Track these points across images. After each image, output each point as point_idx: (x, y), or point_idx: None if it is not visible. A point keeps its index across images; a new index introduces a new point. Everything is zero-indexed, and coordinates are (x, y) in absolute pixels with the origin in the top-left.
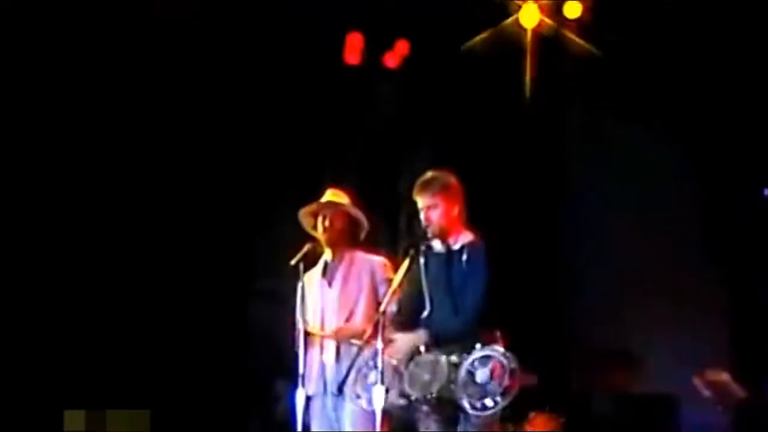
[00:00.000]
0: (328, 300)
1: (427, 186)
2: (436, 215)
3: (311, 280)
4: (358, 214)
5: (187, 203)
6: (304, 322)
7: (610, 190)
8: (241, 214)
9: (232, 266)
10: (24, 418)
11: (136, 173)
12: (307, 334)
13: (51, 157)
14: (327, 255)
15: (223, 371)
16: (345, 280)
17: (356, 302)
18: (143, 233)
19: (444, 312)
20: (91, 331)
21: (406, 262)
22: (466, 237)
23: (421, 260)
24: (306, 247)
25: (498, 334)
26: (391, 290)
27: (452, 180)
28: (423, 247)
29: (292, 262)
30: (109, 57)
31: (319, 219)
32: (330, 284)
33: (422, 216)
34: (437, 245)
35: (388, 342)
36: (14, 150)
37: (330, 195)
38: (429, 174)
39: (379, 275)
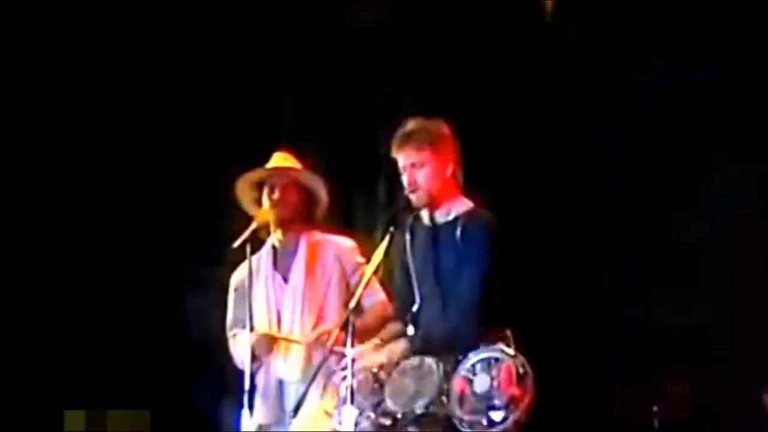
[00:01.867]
0: (285, 298)
1: (410, 138)
2: (422, 176)
3: (257, 273)
4: (315, 183)
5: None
6: (250, 326)
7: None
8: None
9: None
10: (24, 418)
11: (134, 169)
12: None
13: (51, 157)
14: (276, 239)
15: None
16: (307, 270)
17: (325, 298)
18: (143, 233)
19: (434, 305)
20: (92, 331)
21: (385, 242)
22: (461, 206)
23: (407, 237)
24: (253, 225)
25: (507, 333)
26: (364, 280)
27: (444, 130)
28: (408, 221)
29: (235, 245)
30: None
31: (265, 191)
32: (286, 278)
33: (404, 178)
34: (425, 217)
35: (373, 347)
36: (14, 150)
37: (278, 159)
38: (413, 123)
39: (349, 262)
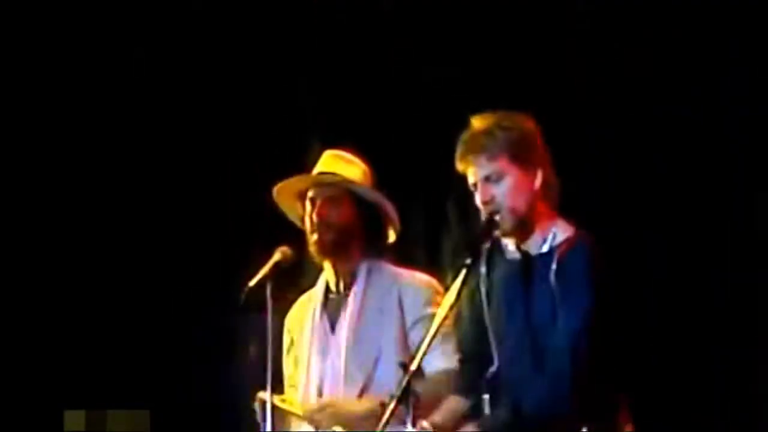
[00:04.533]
0: (330, 352)
1: (476, 143)
2: (501, 192)
3: (300, 318)
4: (380, 198)
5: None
6: (282, 392)
7: None
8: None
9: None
10: (24, 418)
11: (133, 166)
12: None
13: (51, 157)
14: (329, 274)
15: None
16: (359, 315)
17: (380, 355)
18: (143, 232)
19: (521, 369)
20: (91, 331)
21: (460, 279)
22: (558, 232)
23: (481, 274)
24: (276, 257)
25: (624, 407)
26: (432, 329)
27: (526, 127)
28: (484, 253)
29: (251, 283)
30: None
31: (307, 207)
32: (333, 325)
33: (478, 197)
34: (509, 248)
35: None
36: (13, 150)
37: (329, 161)
38: (480, 122)
39: (418, 305)
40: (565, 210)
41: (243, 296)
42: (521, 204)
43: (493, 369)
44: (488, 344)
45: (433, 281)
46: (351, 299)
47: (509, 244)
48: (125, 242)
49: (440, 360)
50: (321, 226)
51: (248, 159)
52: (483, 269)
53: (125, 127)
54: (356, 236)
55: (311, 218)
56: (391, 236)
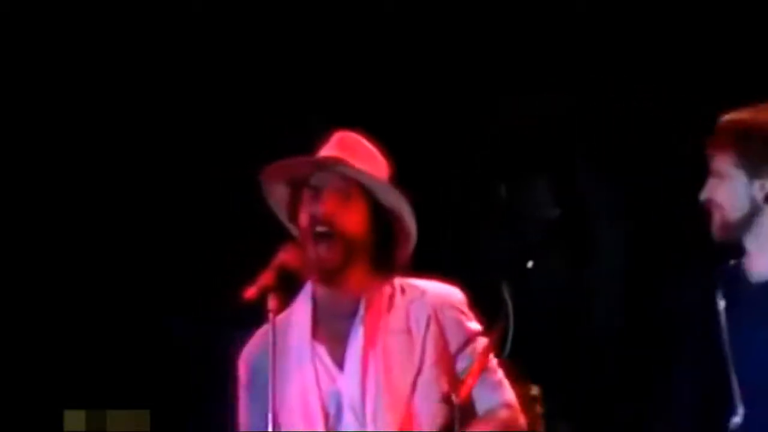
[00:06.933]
0: (341, 396)
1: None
2: (722, 193)
3: (286, 350)
4: (401, 203)
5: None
6: None
7: None
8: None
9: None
10: (24, 418)
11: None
12: None
13: (54, 158)
14: (320, 287)
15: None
16: (379, 343)
17: (413, 390)
18: (143, 232)
19: None
20: (91, 331)
21: (507, 292)
22: None
23: (721, 304)
24: (279, 258)
25: None
26: (481, 350)
27: (760, 119)
28: (720, 276)
29: (247, 295)
30: None
31: (305, 197)
32: (340, 360)
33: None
34: (753, 267)
35: None
36: (13, 150)
37: (337, 144)
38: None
39: (457, 327)
40: None
41: (238, 307)
42: (735, 210)
43: (737, 419)
44: (730, 385)
45: (463, 295)
46: (362, 322)
47: (753, 262)
48: (125, 242)
49: (496, 393)
50: (327, 228)
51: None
52: (722, 302)
53: (125, 127)
54: (367, 247)
55: (310, 214)
56: (406, 252)
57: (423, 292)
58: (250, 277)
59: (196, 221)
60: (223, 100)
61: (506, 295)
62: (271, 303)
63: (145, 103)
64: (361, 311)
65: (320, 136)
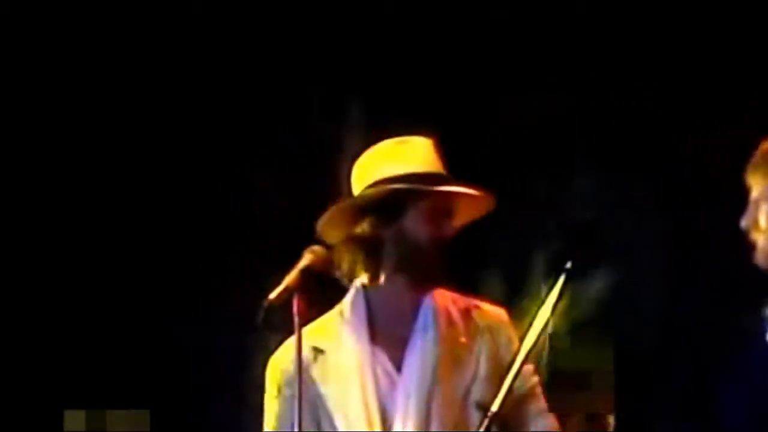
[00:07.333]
0: (397, 400)
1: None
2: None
3: (337, 347)
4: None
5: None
6: None
7: None
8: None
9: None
10: (24, 418)
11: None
12: None
13: (53, 158)
14: (372, 290)
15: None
16: (439, 351)
17: (465, 401)
18: (143, 232)
19: None
20: (91, 331)
21: (553, 296)
22: None
23: None
24: (304, 261)
25: None
26: (513, 370)
27: None
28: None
29: (271, 296)
30: None
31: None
32: (398, 363)
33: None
34: None
35: None
36: (12, 150)
37: (434, 157)
38: None
39: (508, 343)
40: None
41: (261, 314)
42: None
43: None
44: None
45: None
46: (424, 328)
47: None
48: (126, 242)
49: (546, 419)
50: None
51: (254, 162)
52: None
53: (125, 128)
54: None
55: (440, 238)
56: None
57: (477, 306)
58: (250, 277)
59: (196, 221)
60: (223, 100)
61: (557, 293)
62: (297, 305)
63: (145, 103)
64: (425, 317)
65: (320, 136)
